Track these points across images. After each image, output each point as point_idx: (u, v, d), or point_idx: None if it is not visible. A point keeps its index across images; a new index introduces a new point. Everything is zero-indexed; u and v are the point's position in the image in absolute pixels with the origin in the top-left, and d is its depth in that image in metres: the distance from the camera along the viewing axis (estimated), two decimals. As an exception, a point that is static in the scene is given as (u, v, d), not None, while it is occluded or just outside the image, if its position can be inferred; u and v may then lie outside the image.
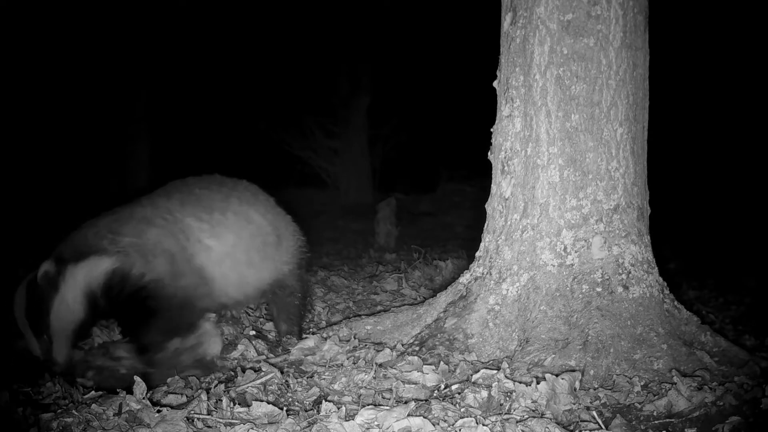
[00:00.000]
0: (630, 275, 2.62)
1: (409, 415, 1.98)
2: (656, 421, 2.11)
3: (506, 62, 2.82)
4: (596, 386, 2.35)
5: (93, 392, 2.20)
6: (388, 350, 2.71)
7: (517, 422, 1.99)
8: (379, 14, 9.89)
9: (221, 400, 2.11)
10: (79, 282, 2.50)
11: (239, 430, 1.94)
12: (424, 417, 1.98)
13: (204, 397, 2.11)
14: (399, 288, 4.45)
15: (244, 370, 2.52)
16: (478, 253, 2.94)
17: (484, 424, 1.95)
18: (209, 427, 1.99)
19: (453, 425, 1.98)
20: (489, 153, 2.95)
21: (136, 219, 2.68)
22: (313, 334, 3.05)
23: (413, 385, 2.38)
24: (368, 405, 2.12)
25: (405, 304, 3.57)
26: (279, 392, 2.37)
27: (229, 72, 10.61)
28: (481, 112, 3.74)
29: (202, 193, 2.91)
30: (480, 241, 2.95)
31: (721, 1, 8.74)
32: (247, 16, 9.63)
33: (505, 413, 2.08)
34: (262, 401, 2.14)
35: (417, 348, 2.75)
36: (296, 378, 2.51)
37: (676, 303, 2.69)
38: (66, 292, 2.49)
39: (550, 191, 2.67)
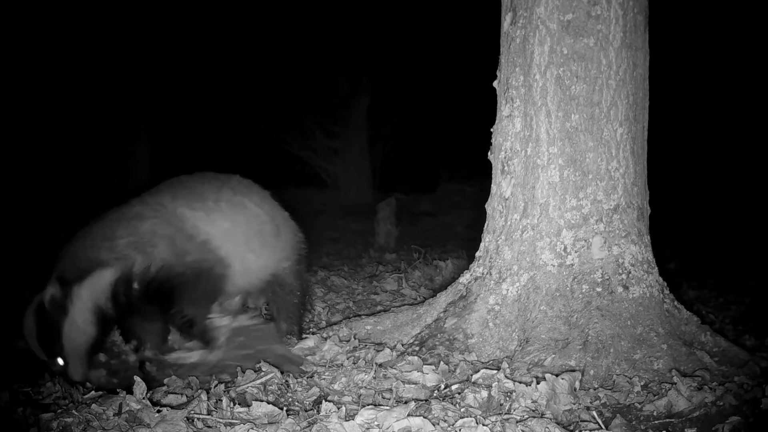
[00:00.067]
0: (630, 275, 2.62)
1: (409, 415, 1.98)
2: (656, 421, 2.11)
3: (506, 62, 2.82)
4: (596, 386, 2.34)
5: (93, 392, 2.20)
6: (388, 350, 2.71)
7: (517, 422, 1.99)
8: (379, 14, 9.88)
9: (221, 400, 2.11)
10: (86, 302, 2.53)
11: (239, 430, 1.94)
12: (424, 417, 1.98)
13: (204, 397, 2.11)
14: (399, 288, 4.45)
15: (243, 370, 2.52)
16: (478, 253, 2.94)
17: (484, 424, 1.95)
18: (209, 427, 1.99)
19: (453, 425, 1.98)
20: (489, 153, 2.95)
21: (128, 217, 2.69)
22: (313, 334, 3.05)
23: (413, 385, 2.38)
24: (368, 405, 2.12)
25: (405, 304, 3.57)
26: (279, 392, 2.37)
27: (229, 72, 10.61)
28: (481, 112, 3.74)
29: (194, 186, 2.95)
30: (480, 241, 2.95)
31: (721, 1, 8.73)
32: (247, 16, 9.63)
33: (505, 413, 2.08)
34: (262, 401, 2.14)
35: (417, 348, 2.75)
36: (296, 378, 2.51)
37: (676, 303, 2.69)
38: (75, 314, 2.51)
39: (550, 191, 2.67)
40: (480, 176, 3.94)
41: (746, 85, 9.53)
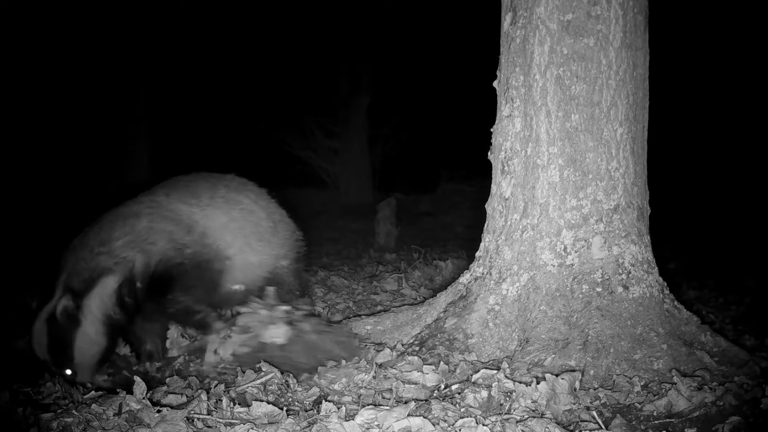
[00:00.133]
0: (630, 275, 2.62)
1: (409, 415, 1.98)
2: (656, 421, 2.11)
3: (506, 62, 2.82)
4: (596, 386, 2.34)
5: (93, 392, 2.21)
6: (388, 350, 2.71)
7: (517, 422, 1.99)
8: (378, 14, 9.88)
9: (221, 400, 2.11)
10: (95, 313, 2.55)
11: (239, 430, 1.94)
12: (424, 417, 1.98)
13: (204, 397, 2.11)
14: (399, 288, 4.45)
15: (244, 370, 2.52)
16: (478, 253, 2.94)
17: (484, 424, 1.95)
18: (209, 427, 1.99)
19: (453, 425, 1.98)
20: (489, 153, 2.95)
21: (123, 217, 2.72)
22: (313, 334, 3.05)
23: (413, 385, 2.38)
24: (368, 405, 2.12)
25: (405, 304, 3.57)
26: (279, 392, 2.37)
27: (229, 72, 10.61)
28: (481, 112, 3.74)
29: (188, 184, 2.98)
30: (480, 241, 2.95)
31: (721, 1, 8.73)
32: (247, 16, 9.63)
33: (505, 413, 2.08)
34: (262, 401, 2.14)
35: (417, 348, 2.75)
36: (296, 378, 2.51)
37: (676, 303, 2.69)
38: (86, 326, 2.53)
39: (550, 191, 2.67)
40: (480, 176, 3.94)
41: (746, 85, 9.53)
